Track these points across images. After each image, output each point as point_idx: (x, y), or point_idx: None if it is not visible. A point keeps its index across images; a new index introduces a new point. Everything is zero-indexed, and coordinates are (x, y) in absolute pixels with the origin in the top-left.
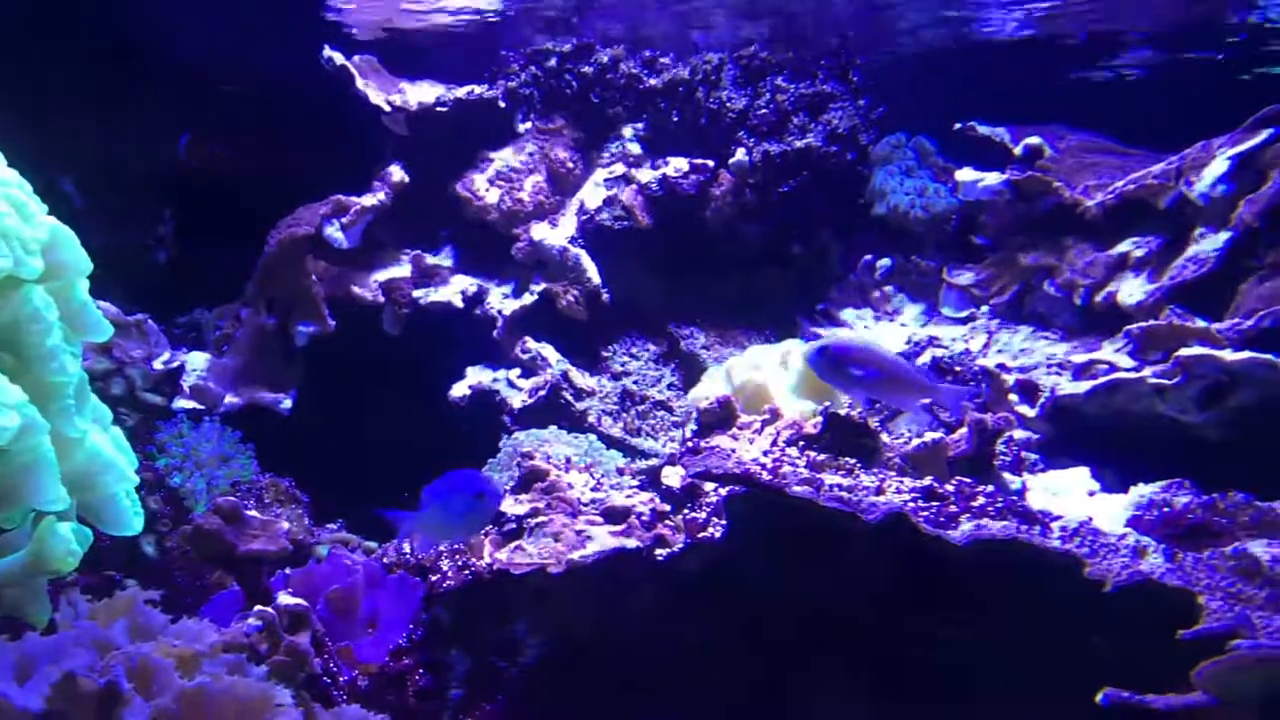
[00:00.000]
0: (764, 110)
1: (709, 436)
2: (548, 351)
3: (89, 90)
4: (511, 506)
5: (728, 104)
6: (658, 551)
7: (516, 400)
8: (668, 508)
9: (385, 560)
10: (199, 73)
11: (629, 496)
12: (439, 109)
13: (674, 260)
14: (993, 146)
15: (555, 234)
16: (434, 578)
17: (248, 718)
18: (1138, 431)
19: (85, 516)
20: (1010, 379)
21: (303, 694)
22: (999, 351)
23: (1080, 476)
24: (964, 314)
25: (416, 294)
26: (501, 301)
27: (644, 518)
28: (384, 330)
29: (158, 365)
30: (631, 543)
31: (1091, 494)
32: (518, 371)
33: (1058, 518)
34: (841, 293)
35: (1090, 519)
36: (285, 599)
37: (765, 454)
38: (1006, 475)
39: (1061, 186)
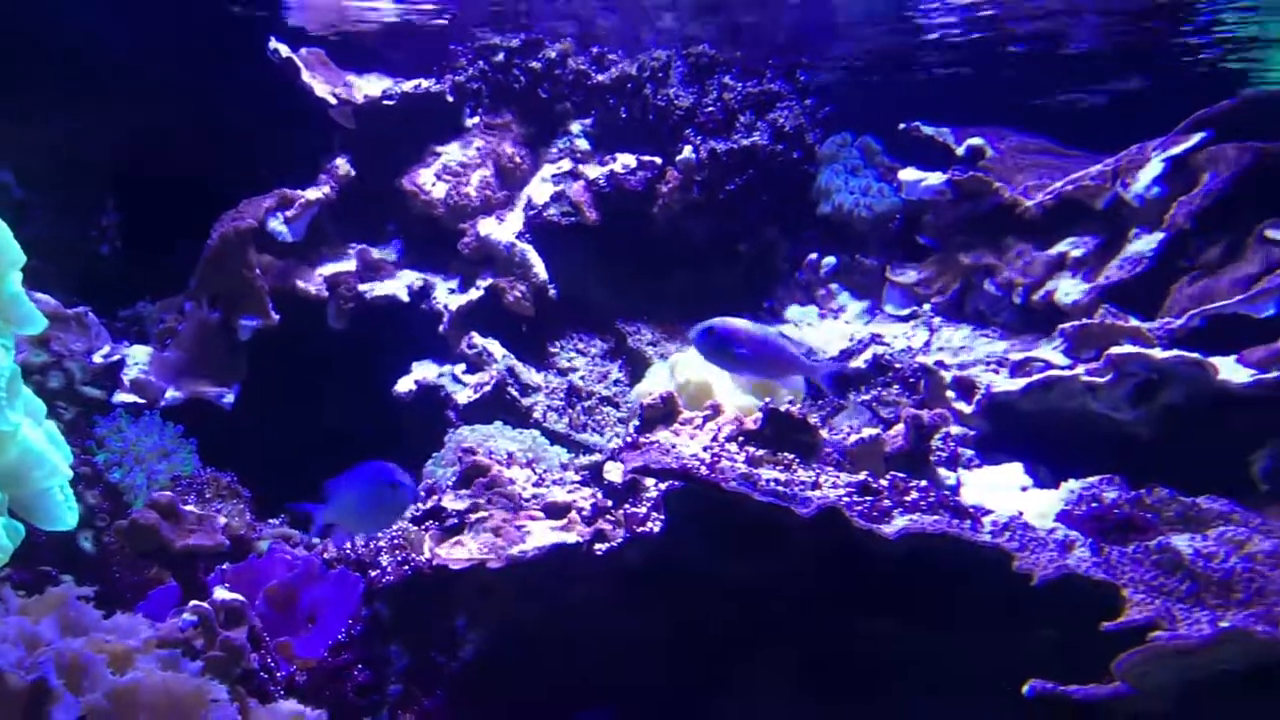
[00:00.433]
0: (711, 108)
1: (652, 432)
2: (494, 347)
3: (29, 80)
4: (452, 502)
5: (675, 101)
6: (598, 546)
7: (462, 396)
8: (609, 503)
9: (326, 555)
10: (140, 64)
11: (571, 492)
12: (386, 102)
13: (621, 257)
14: (936, 146)
15: (502, 229)
16: (374, 573)
17: (181, 713)
18: (1071, 428)
19: (18, 511)
20: (949, 376)
21: (238, 689)
22: (940, 349)
23: (1014, 472)
24: (906, 312)
25: (362, 288)
26: (448, 296)
27: (585, 513)
28: (329, 324)
29: (98, 359)
30: (572, 537)
31: (1024, 489)
32: (463, 367)
33: (989, 512)
34: (787, 290)
35: (1021, 514)
36: (222, 594)
37: (705, 449)
38: (942, 471)
39: (1002, 187)
